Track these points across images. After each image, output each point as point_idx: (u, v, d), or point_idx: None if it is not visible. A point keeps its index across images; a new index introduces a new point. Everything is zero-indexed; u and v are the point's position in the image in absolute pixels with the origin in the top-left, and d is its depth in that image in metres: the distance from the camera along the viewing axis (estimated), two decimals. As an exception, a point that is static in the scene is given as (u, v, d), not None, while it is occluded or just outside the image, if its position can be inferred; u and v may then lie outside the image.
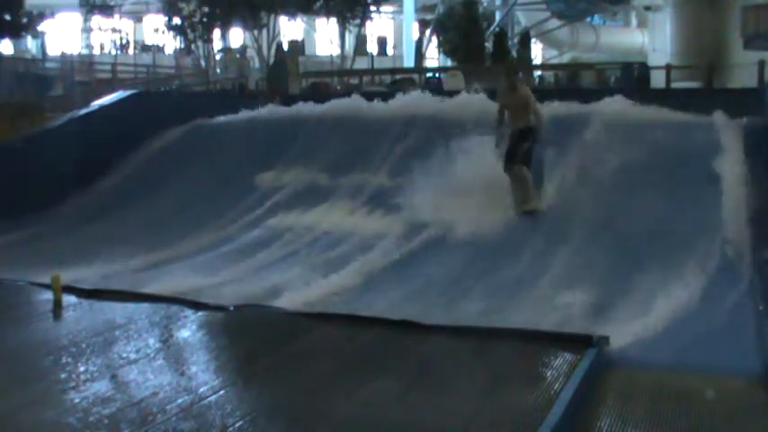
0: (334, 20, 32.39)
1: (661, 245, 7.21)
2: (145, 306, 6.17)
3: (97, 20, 38.93)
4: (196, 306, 6.10)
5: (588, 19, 41.18)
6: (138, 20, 42.92)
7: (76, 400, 4.16)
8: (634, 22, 43.05)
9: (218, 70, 32.04)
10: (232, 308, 6.14)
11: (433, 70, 28.74)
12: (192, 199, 10.60)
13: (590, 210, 8.09)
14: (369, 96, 12.62)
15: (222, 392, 4.28)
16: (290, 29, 38.02)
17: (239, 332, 5.83)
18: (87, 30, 39.23)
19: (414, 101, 11.74)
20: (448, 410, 4.09)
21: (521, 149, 8.46)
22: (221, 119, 13.05)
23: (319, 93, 19.22)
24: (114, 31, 39.88)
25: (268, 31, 31.18)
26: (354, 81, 24.66)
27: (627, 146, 8.58)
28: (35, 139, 11.91)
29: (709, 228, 7.26)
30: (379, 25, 43.32)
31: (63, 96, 22.73)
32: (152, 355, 5.00)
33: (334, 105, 12.30)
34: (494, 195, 8.62)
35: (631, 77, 20.14)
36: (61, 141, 11.75)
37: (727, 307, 6.02)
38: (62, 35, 38.93)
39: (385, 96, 12.47)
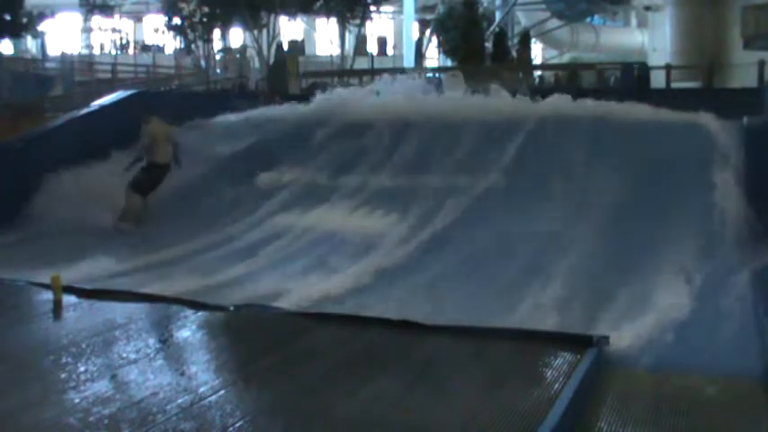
0: (334, 20, 32.39)
1: (661, 244, 7.21)
2: (145, 306, 6.17)
3: (97, 20, 38.96)
4: (196, 306, 6.09)
5: (588, 19, 41.15)
6: (138, 20, 42.97)
7: (76, 400, 4.16)
8: (634, 22, 43.04)
9: (218, 70, 32.05)
10: (232, 308, 6.14)
11: (433, 70, 28.67)
12: (192, 199, 10.60)
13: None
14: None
15: (222, 392, 4.28)
16: (290, 29, 38.02)
17: (239, 332, 5.82)
18: (87, 30, 39.28)
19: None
20: (448, 410, 4.09)
21: None
22: (221, 118, 13.04)
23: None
24: (114, 31, 39.91)
25: (268, 31, 31.17)
26: (354, 81, 24.61)
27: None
28: (35, 139, 11.89)
29: (710, 227, 7.26)
30: (379, 25, 43.31)
31: (63, 96, 22.75)
32: (152, 355, 5.00)
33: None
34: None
35: (631, 77, 20.09)
36: (61, 141, 11.74)
37: (727, 307, 6.02)
38: (62, 35, 38.96)
39: None
